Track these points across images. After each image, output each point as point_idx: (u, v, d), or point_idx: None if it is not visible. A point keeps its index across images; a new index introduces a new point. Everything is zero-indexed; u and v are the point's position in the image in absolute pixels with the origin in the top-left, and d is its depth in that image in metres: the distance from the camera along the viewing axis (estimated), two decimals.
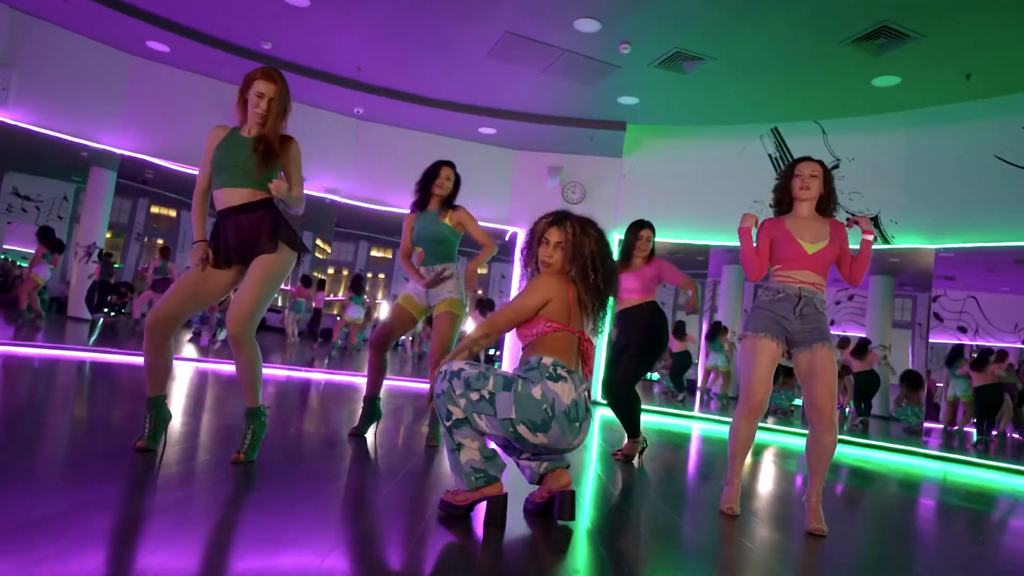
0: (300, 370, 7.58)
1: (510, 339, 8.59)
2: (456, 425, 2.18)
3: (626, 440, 4.05)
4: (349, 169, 8.37)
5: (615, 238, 8.25)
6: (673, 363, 10.03)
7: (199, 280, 2.68)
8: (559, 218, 2.38)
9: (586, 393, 2.26)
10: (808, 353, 2.72)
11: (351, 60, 6.90)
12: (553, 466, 2.34)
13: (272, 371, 7.01)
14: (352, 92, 7.49)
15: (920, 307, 10.25)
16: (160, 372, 2.69)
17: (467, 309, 3.78)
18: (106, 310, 12.60)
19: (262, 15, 6.11)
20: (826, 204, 2.89)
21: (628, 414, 3.98)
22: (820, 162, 2.91)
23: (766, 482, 3.98)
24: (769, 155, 7.69)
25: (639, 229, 4.15)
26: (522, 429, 2.13)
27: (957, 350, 10.19)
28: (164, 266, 11.70)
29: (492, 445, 2.30)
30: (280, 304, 13.08)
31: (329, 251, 15.98)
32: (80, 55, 6.93)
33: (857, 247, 2.85)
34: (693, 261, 8.60)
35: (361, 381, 6.98)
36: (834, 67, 5.81)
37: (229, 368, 6.36)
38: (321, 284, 13.38)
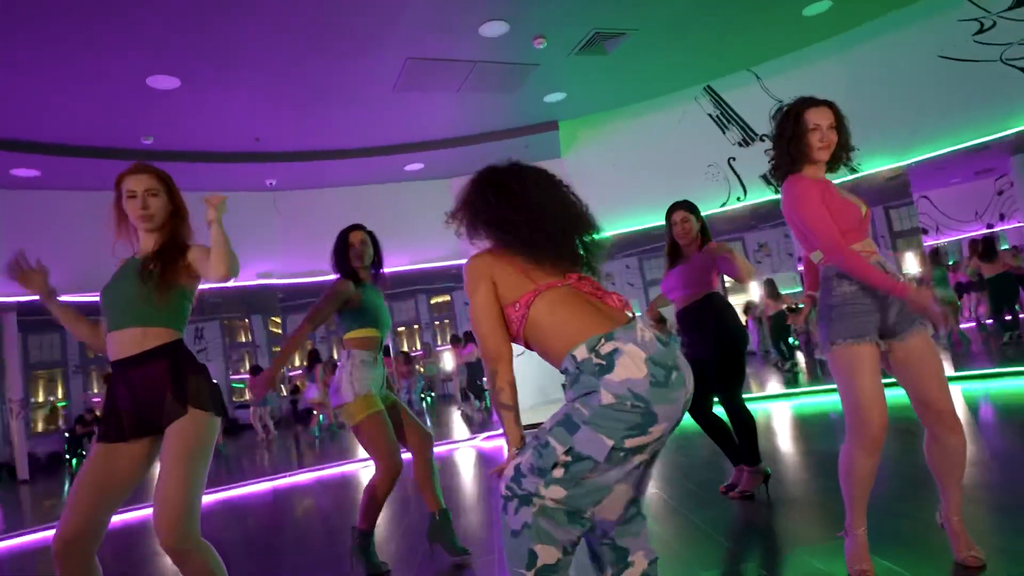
0: (282, 476, 6.76)
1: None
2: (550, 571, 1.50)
3: (735, 471, 3.32)
4: (277, 246, 7.62)
5: None
6: (772, 327, 9.61)
7: (103, 466, 1.97)
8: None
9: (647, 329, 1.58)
10: (902, 344, 2.14)
11: (246, 131, 6.19)
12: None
13: (252, 488, 6.19)
14: (257, 165, 6.78)
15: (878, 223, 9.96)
16: None
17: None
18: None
19: (133, 108, 5.36)
20: (839, 159, 2.30)
21: (729, 440, 3.30)
22: (832, 105, 2.29)
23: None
24: (709, 115, 7.27)
25: (669, 214, 3.50)
26: (631, 441, 1.46)
27: (933, 252, 10.05)
28: None
29: None
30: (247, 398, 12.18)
31: (280, 330, 15.09)
32: None
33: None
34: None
35: (352, 467, 6.25)
36: (761, 5, 5.38)
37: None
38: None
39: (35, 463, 9.15)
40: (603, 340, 1.50)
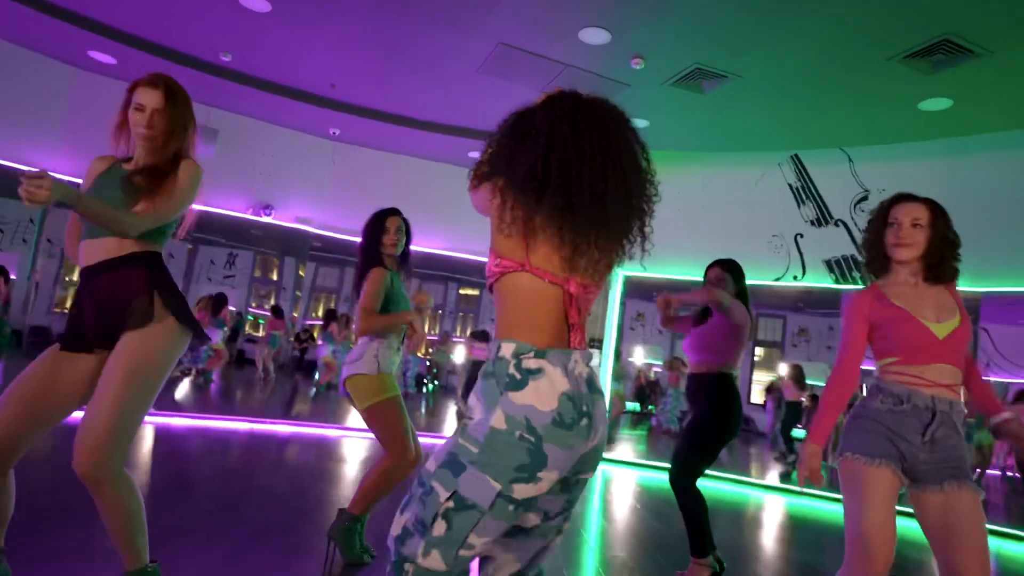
0: (264, 422, 6.64)
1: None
2: None
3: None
4: (324, 196, 7.53)
5: (619, 274, 7.46)
6: (786, 414, 9.36)
7: (45, 377, 1.80)
8: None
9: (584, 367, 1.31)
10: (940, 495, 1.86)
11: (323, 75, 6.09)
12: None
13: (234, 424, 6.08)
14: (326, 111, 6.67)
15: None
16: None
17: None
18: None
19: (218, 22, 5.29)
20: (936, 265, 2.02)
21: (687, 520, 3.03)
22: (927, 202, 2.04)
23: None
24: (789, 184, 6.94)
25: (707, 270, 3.31)
26: (520, 489, 1.23)
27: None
28: None
29: None
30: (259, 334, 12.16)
31: (304, 274, 15.05)
32: (13, 66, 6.09)
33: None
34: None
35: (337, 432, 6.10)
36: (876, 88, 5.04)
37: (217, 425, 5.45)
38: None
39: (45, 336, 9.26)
40: (533, 353, 1.27)
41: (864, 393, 2.05)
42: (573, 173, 1.27)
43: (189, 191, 1.94)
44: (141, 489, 1.89)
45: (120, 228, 1.78)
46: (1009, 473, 10.90)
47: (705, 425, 3.04)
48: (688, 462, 3.05)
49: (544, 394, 1.23)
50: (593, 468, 1.35)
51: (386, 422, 2.75)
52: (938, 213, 2.04)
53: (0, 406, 1.75)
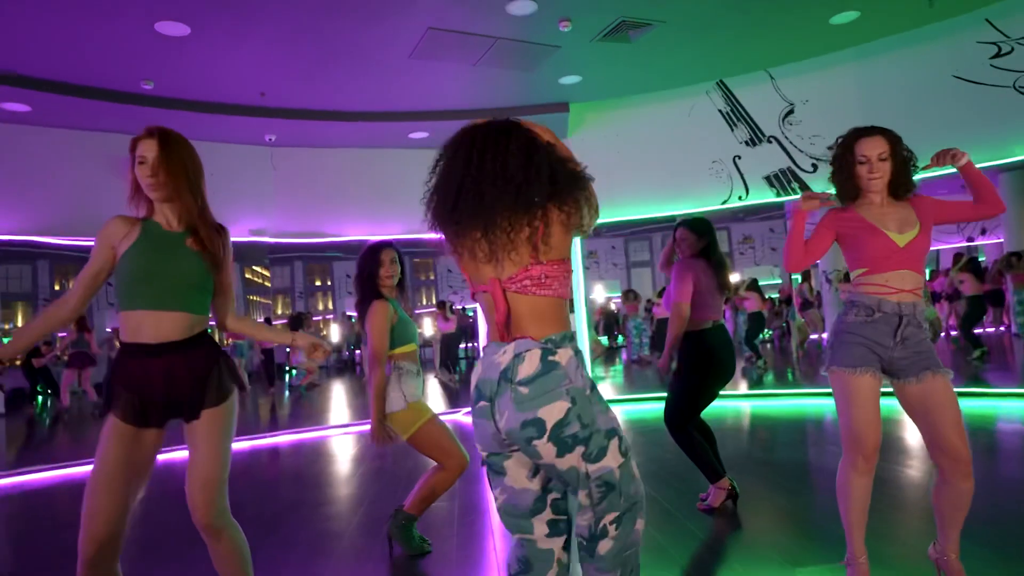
0: (260, 436, 6.74)
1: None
2: None
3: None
4: (272, 203, 7.45)
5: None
6: (750, 324, 10.10)
7: (126, 460, 1.88)
8: None
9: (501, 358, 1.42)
10: (917, 385, 2.20)
11: (252, 85, 5.98)
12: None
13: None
14: (259, 120, 6.56)
15: None
16: None
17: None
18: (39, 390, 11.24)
19: (136, 52, 5.13)
20: (899, 185, 2.31)
21: (689, 456, 3.39)
22: (886, 134, 2.31)
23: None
24: (719, 111, 7.23)
25: (673, 231, 3.55)
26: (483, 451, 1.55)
27: None
28: (81, 339, 10.45)
29: None
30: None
31: (264, 281, 14.82)
32: None
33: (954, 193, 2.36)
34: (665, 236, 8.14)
35: (332, 431, 6.23)
36: (790, 10, 5.32)
37: None
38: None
39: None
40: (486, 347, 1.51)
41: (841, 310, 2.36)
42: (439, 194, 1.49)
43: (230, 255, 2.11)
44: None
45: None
46: (953, 333, 11.91)
47: (683, 383, 3.39)
48: (675, 411, 3.40)
49: (472, 383, 1.51)
50: (526, 449, 1.40)
51: (431, 442, 2.96)
52: (895, 140, 2.33)
53: (103, 495, 1.83)
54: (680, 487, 3.79)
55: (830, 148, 2.42)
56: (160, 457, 2.04)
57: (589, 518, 1.41)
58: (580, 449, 1.38)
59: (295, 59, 5.50)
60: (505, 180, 1.41)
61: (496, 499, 1.53)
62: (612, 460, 1.41)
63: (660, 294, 10.48)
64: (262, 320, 10.77)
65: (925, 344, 2.24)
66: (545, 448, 1.37)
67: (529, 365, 1.37)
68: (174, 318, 1.93)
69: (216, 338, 2.10)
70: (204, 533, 1.94)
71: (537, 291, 1.42)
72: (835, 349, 2.28)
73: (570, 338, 1.45)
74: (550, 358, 1.38)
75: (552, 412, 1.35)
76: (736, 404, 6.81)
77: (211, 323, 2.10)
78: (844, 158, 2.34)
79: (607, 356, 14.05)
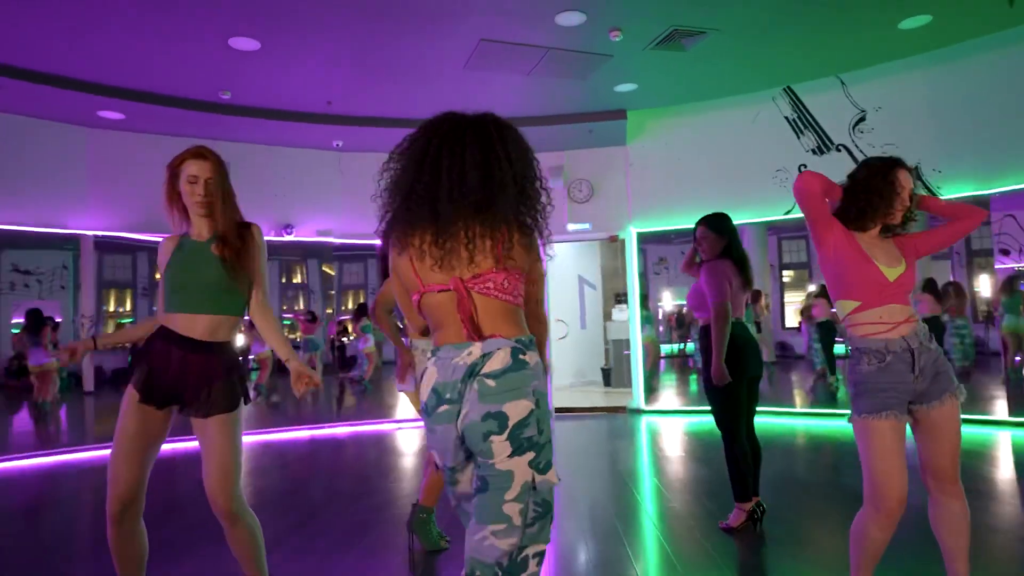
0: (321, 427, 7.09)
1: None
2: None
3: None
4: (338, 206, 7.83)
5: (632, 232, 7.66)
6: (820, 334, 9.25)
7: (142, 430, 2.13)
8: None
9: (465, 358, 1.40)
10: (939, 407, 2.13)
11: (319, 95, 6.33)
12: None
13: (295, 434, 6.53)
14: (326, 127, 6.94)
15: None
16: (134, 564, 2.20)
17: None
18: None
19: (214, 65, 5.55)
20: (901, 224, 2.26)
21: (727, 464, 3.30)
22: (911, 170, 2.26)
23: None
24: (786, 117, 7.01)
25: (694, 230, 3.52)
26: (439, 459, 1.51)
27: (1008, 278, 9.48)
28: None
29: None
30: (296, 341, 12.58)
31: (334, 272, 15.39)
32: (30, 137, 6.42)
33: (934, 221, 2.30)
34: None
35: (391, 426, 6.51)
36: (854, 15, 5.12)
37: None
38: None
39: (100, 376, 9.82)
40: (431, 352, 1.50)
41: (849, 357, 2.29)
42: (413, 190, 1.47)
43: (264, 251, 2.27)
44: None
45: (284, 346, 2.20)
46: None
47: (710, 377, 3.29)
48: (717, 410, 3.32)
49: (424, 388, 1.46)
50: (478, 445, 1.38)
51: None
52: (915, 178, 2.27)
53: (121, 462, 2.09)
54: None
55: (859, 181, 2.29)
56: (178, 450, 2.26)
57: (511, 544, 1.35)
58: (530, 455, 1.36)
59: (357, 71, 5.77)
60: (462, 194, 1.40)
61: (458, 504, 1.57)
62: (553, 477, 1.41)
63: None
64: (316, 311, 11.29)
65: (941, 361, 2.16)
66: (501, 446, 1.34)
67: (499, 360, 1.36)
68: (204, 320, 2.15)
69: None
70: (222, 519, 2.14)
71: (500, 295, 1.42)
72: (856, 400, 2.19)
73: (535, 345, 1.47)
74: (521, 356, 1.38)
75: (517, 409, 1.35)
76: (804, 423, 6.60)
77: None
78: (877, 181, 2.25)
79: (679, 364, 13.70)
